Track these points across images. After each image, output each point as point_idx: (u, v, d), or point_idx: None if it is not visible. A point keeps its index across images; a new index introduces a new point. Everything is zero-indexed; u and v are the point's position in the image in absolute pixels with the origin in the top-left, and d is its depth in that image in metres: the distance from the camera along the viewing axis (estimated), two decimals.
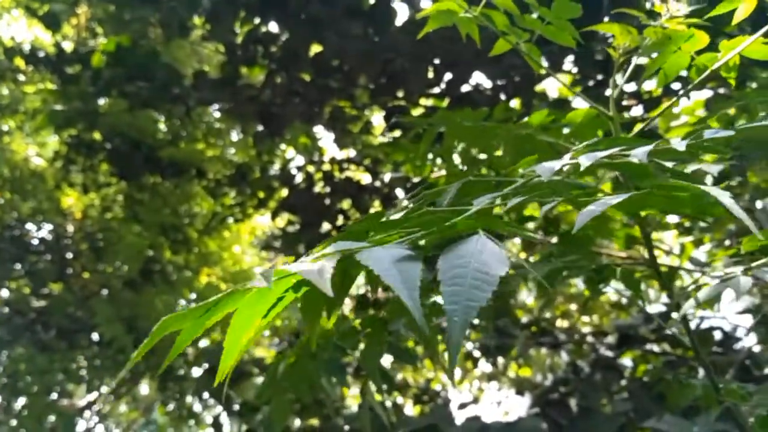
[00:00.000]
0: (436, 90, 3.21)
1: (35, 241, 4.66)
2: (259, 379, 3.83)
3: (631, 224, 1.29)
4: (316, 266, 0.42)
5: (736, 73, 0.92)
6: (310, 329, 0.51)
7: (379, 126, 3.82)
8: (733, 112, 1.12)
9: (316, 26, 3.07)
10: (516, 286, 1.22)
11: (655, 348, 3.11)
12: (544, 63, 2.80)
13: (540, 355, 4.54)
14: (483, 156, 1.35)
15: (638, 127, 0.96)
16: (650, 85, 2.68)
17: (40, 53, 3.86)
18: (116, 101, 3.64)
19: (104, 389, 5.06)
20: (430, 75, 3.16)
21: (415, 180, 3.24)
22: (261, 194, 4.14)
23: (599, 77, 2.76)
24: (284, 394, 1.26)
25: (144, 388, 5.66)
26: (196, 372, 4.41)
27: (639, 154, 0.51)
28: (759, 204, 2.30)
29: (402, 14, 3.04)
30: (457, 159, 1.41)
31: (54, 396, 4.58)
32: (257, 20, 3.33)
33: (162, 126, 4.08)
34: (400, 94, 3.30)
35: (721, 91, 2.37)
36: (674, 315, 0.87)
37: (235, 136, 4.52)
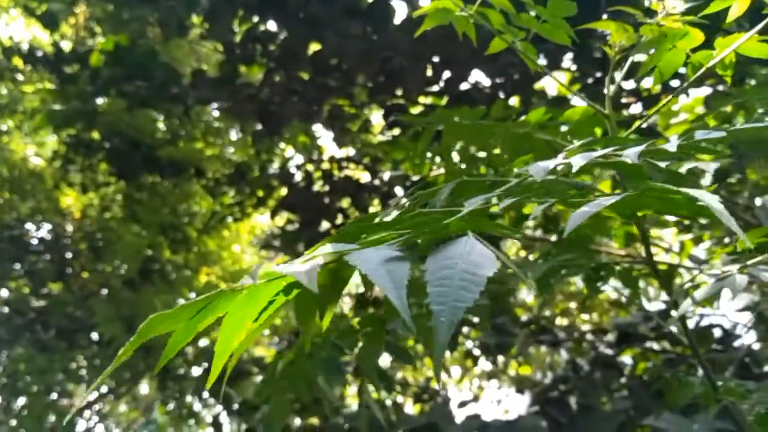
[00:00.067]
0: (435, 88, 3.21)
1: (34, 241, 4.66)
2: (259, 378, 3.83)
3: (629, 222, 1.29)
4: (303, 267, 0.42)
5: (732, 71, 0.92)
6: (304, 330, 0.51)
7: (378, 124, 3.82)
8: (730, 109, 1.12)
9: (315, 25, 3.06)
10: (515, 285, 1.22)
11: (655, 346, 3.11)
12: (543, 61, 2.81)
13: (540, 354, 4.55)
14: (482, 154, 1.35)
15: (636, 124, 0.95)
16: (649, 83, 2.68)
17: (39, 53, 3.86)
18: (115, 101, 3.64)
19: (104, 389, 5.06)
20: (429, 73, 3.16)
21: (415, 178, 3.24)
22: (260, 193, 4.14)
23: (598, 75, 2.76)
24: (283, 394, 1.26)
25: (144, 388, 5.67)
26: (196, 371, 4.41)
27: (630, 154, 0.51)
28: (758, 201, 2.30)
29: (400, 13, 3.03)
30: (456, 157, 1.41)
31: (54, 396, 4.59)
32: (256, 19, 3.33)
33: (161, 125, 4.07)
34: (399, 92, 3.30)
35: (720, 88, 2.37)
36: (673, 313, 0.87)
37: (234, 135, 4.53)
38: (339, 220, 3.61)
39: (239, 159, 4.40)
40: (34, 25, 4.43)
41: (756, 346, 2.64)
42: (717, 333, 2.79)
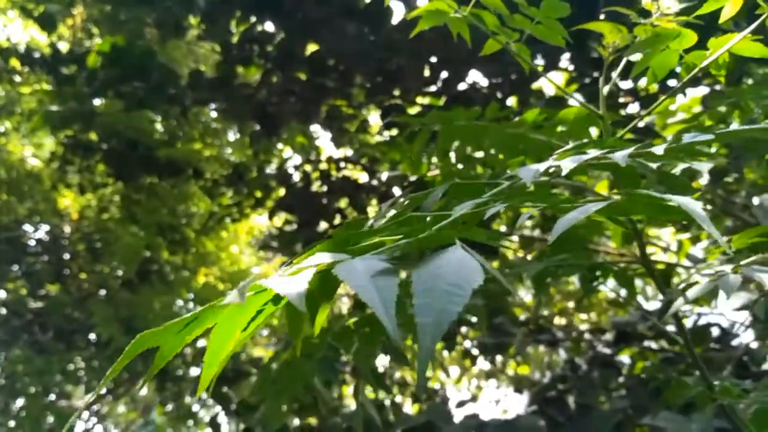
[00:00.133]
0: (433, 88, 3.21)
1: (32, 242, 4.66)
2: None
3: (624, 222, 1.29)
4: (291, 284, 0.42)
5: (726, 71, 0.92)
6: (295, 338, 0.51)
7: (375, 125, 3.82)
8: (724, 109, 1.12)
9: (312, 25, 3.06)
10: (511, 283, 1.22)
11: (653, 345, 3.11)
12: (540, 61, 2.81)
13: (538, 353, 4.55)
14: (480, 154, 1.35)
15: (631, 125, 0.95)
16: (646, 82, 2.68)
17: (36, 54, 3.86)
18: (112, 102, 3.64)
19: (102, 390, 5.05)
20: (427, 73, 3.16)
21: (412, 178, 3.24)
22: (258, 194, 4.14)
23: (595, 74, 2.76)
24: (279, 394, 1.26)
25: (142, 389, 5.66)
26: (195, 372, 4.41)
27: (618, 158, 0.51)
28: (756, 200, 2.30)
29: (398, 13, 3.04)
30: (453, 157, 1.41)
31: (52, 397, 4.58)
32: (253, 20, 3.33)
33: (158, 126, 4.07)
34: (397, 92, 3.30)
35: (718, 87, 2.37)
36: (670, 312, 0.87)
37: (231, 135, 4.53)
38: (337, 220, 3.61)
39: (237, 160, 4.40)
40: (32, 27, 4.43)
41: (754, 345, 2.65)
42: (715, 332, 2.79)
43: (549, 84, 3.22)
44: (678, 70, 0.95)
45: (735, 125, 1.16)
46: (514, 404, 3.85)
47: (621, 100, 2.81)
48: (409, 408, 4.14)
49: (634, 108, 2.80)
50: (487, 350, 3.60)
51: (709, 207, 2.75)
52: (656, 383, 2.54)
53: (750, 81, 2.07)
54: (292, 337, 0.51)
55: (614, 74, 1.00)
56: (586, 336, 3.63)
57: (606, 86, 0.96)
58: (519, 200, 0.55)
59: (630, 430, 2.57)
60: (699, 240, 2.82)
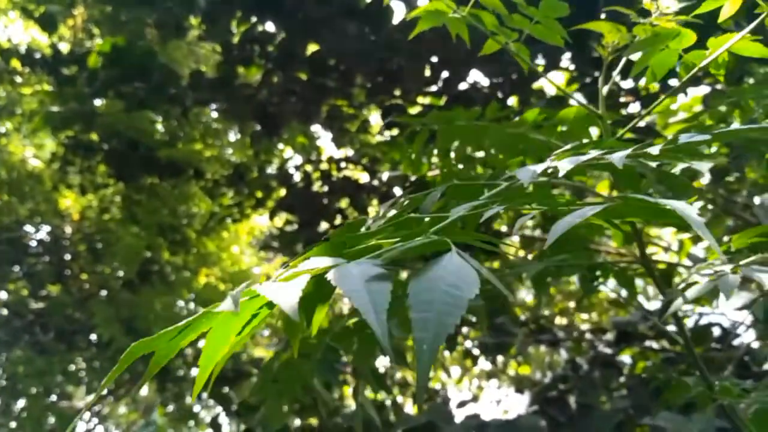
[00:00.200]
0: (434, 88, 3.21)
1: (33, 243, 4.66)
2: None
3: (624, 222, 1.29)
4: (285, 291, 0.42)
5: (727, 70, 0.92)
6: (292, 339, 0.51)
7: (376, 125, 3.81)
8: (725, 109, 1.12)
9: (313, 25, 3.06)
10: (511, 283, 1.22)
11: (654, 345, 3.11)
12: (541, 60, 2.81)
13: (539, 353, 4.55)
14: (481, 153, 1.35)
15: (630, 125, 0.95)
16: (645, 82, 2.67)
17: (37, 55, 3.86)
18: (113, 102, 3.64)
19: (104, 392, 5.06)
20: (427, 73, 3.16)
21: (414, 179, 3.23)
22: (259, 194, 4.14)
23: (596, 74, 2.75)
24: (279, 395, 1.26)
25: (143, 390, 5.66)
26: (196, 373, 4.40)
27: (615, 159, 0.51)
28: (757, 200, 2.30)
29: (399, 13, 3.04)
30: (453, 157, 1.41)
31: (53, 398, 4.58)
32: (253, 20, 3.33)
33: (159, 126, 4.07)
34: (398, 92, 3.30)
35: (719, 87, 2.36)
36: (669, 312, 0.87)
37: (232, 136, 4.53)
38: (338, 220, 3.61)
39: (238, 160, 4.40)
40: (33, 28, 4.43)
41: (755, 345, 2.64)
42: (716, 332, 2.79)
43: (550, 83, 3.21)
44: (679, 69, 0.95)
45: (736, 124, 1.16)
46: (515, 404, 3.85)
47: (622, 99, 2.81)
48: (410, 408, 4.13)
49: (635, 107, 2.79)
50: (488, 350, 3.60)
51: (710, 206, 2.75)
52: (657, 383, 2.54)
53: (751, 80, 2.06)
54: (290, 338, 0.51)
55: (615, 74, 1.00)
56: (587, 336, 3.62)
57: (605, 86, 0.96)
58: (517, 202, 0.54)
59: (631, 429, 2.57)
60: (700, 240, 2.82)
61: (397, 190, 3.51)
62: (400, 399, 4.15)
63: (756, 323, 2.46)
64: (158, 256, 4.40)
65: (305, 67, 3.31)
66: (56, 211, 4.64)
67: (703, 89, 2.50)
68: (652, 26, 0.90)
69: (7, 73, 4.07)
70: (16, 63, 3.97)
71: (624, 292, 1.25)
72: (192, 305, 4.52)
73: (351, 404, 3.80)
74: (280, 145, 4.26)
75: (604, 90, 0.96)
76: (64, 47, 4.02)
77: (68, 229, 4.73)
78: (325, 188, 3.73)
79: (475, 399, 4.34)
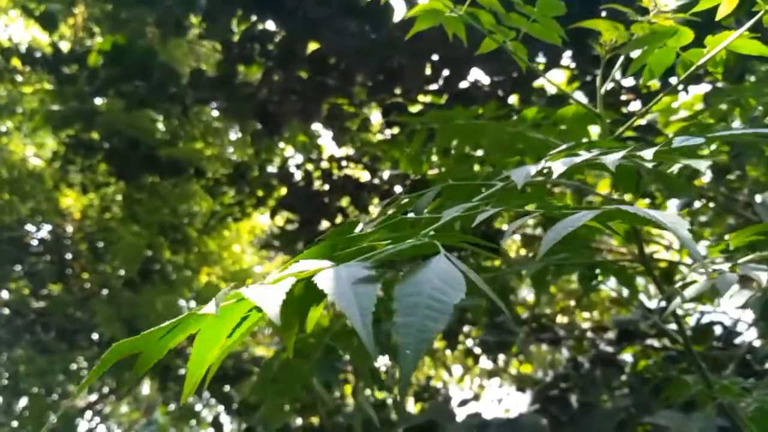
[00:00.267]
0: (434, 87, 3.20)
1: (34, 242, 4.66)
2: None
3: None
4: (270, 295, 0.42)
5: (726, 68, 0.91)
6: (286, 339, 0.51)
7: (377, 123, 3.81)
8: (725, 107, 1.11)
9: (313, 24, 3.06)
10: (506, 282, 1.22)
11: (656, 343, 3.11)
12: (542, 59, 2.80)
13: (540, 352, 4.55)
14: (480, 152, 1.35)
15: (627, 124, 0.95)
16: (643, 80, 2.67)
17: (37, 53, 3.86)
18: (113, 101, 3.63)
19: (105, 389, 5.07)
20: (428, 72, 3.15)
21: (414, 177, 3.23)
22: (260, 193, 4.14)
23: (597, 72, 2.75)
24: (278, 394, 1.26)
25: (145, 389, 5.67)
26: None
27: (608, 161, 0.51)
28: (758, 198, 2.30)
29: (399, 11, 3.03)
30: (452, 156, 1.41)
31: (55, 397, 4.59)
32: (254, 18, 3.32)
33: (160, 125, 4.07)
34: (398, 91, 3.30)
35: (720, 85, 2.36)
36: (668, 310, 0.86)
37: (233, 134, 4.52)
38: (338, 219, 3.60)
39: (239, 159, 4.40)
40: (33, 26, 4.43)
41: (757, 343, 2.64)
42: (718, 330, 2.78)
43: (549, 83, 3.21)
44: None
45: (737, 123, 1.16)
46: (517, 403, 3.84)
47: (623, 97, 2.80)
48: (412, 407, 4.14)
49: (636, 105, 2.79)
50: (489, 349, 3.60)
51: (711, 205, 2.75)
52: (657, 381, 2.54)
53: (752, 78, 2.06)
54: (284, 338, 0.51)
55: (617, 72, 1.00)
56: (589, 334, 3.62)
57: (604, 85, 0.96)
58: (510, 204, 0.54)
59: (632, 428, 2.57)
60: (702, 238, 2.82)
61: (398, 189, 3.50)
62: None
63: (758, 321, 2.45)
64: (159, 255, 4.40)
65: (306, 66, 3.31)
66: (57, 210, 4.64)
67: (705, 87, 2.50)
68: (650, 24, 0.90)
69: (7, 71, 4.07)
70: (16, 62, 3.97)
71: (625, 291, 1.25)
72: (193, 304, 4.52)
73: (352, 403, 3.80)
74: (281, 144, 4.26)
75: (603, 89, 0.95)
76: (65, 46, 4.02)
77: (69, 228, 4.73)
78: (326, 187, 3.72)
79: (476, 398, 4.34)
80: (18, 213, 4.50)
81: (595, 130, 1.14)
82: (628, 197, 0.92)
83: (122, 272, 4.41)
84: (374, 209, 3.48)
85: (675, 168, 0.84)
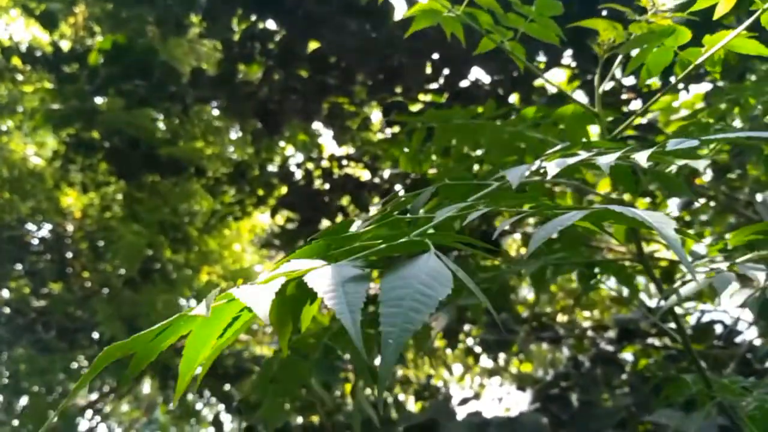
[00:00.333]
0: (435, 85, 3.20)
1: (35, 241, 4.66)
2: None
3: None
4: (259, 294, 0.42)
5: (726, 67, 0.91)
6: (281, 339, 0.51)
7: (377, 122, 3.81)
8: (724, 106, 1.11)
9: (313, 23, 3.06)
10: (506, 281, 1.22)
11: (656, 342, 3.11)
12: (542, 57, 2.80)
13: (541, 351, 4.55)
14: (480, 152, 1.35)
15: (625, 124, 0.95)
16: (649, 79, 2.67)
17: (38, 52, 3.86)
18: (114, 100, 3.63)
19: (106, 388, 5.07)
20: (429, 70, 3.15)
21: (415, 176, 3.23)
22: (260, 192, 4.14)
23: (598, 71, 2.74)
24: (277, 393, 1.26)
25: (146, 387, 5.68)
26: (197, 371, 4.40)
27: (602, 162, 0.51)
28: (759, 197, 2.30)
29: (399, 9, 3.03)
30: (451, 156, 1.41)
31: (55, 396, 4.59)
32: (254, 17, 3.32)
33: (160, 124, 4.07)
34: (399, 90, 3.29)
35: (721, 84, 2.36)
36: (667, 309, 0.86)
37: (233, 133, 4.53)
38: (339, 218, 3.60)
39: (239, 158, 4.40)
40: (34, 25, 4.44)
41: (757, 342, 2.64)
42: (718, 329, 2.78)
43: (548, 82, 3.20)
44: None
45: (737, 123, 1.16)
46: (517, 402, 3.84)
47: (624, 96, 2.80)
48: (412, 405, 4.14)
49: (637, 104, 2.79)
50: (489, 348, 3.60)
51: (712, 204, 2.74)
52: (657, 380, 2.54)
53: (753, 77, 2.06)
54: (279, 337, 0.51)
55: (617, 71, 1.00)
56: (589, 333, 3.62)
57: (602, 84, 0.96)
58: (502, 204, 0.54)
59: (633, 427, 2.57)
60: (703, 236, 2.81)
61: (399, 188, 3.50)
62: (401, 396, 4.16)
63: (758, 320, 2.45)
64: (160, 254, 4.40)
65: (306, 65, 3.31)
66: (58, 209, 4.64)
67: (706, 86, 2.50)
68: (647, 23, 0.90)
69: (8, 70, 4.07)
70: (17, 61, 3.97)
71: (626, 290, 1.25)
72: (194, 303, 4.52)
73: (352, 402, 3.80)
74: (282, 143, 4.26)
75: (601, 88, 0.95)
76: (65, 45, 4.02)
77: (70, 227, 4.73)
78: (327, 186, 3.72)
79: (476, 396, 4.34)
80: (18, 212, 4.51)
81: (595, 130, 1.14)
82: (627, 197, 0.92)
83: (123, 271, 4.41)
84: (373, 208, 3.48)
85: (673, 167, 0.84)
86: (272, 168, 4.23)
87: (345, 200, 3.72)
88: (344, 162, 3.81)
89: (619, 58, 0.97)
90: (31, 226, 4.67)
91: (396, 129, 3.29)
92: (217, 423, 4.00)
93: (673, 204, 2.79)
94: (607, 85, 0.97)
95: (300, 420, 3.34)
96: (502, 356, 4.19)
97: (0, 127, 4.53)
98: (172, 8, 3.35)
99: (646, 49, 0.90)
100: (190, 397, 4.68)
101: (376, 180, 3.69)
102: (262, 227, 5.27)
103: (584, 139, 1.02)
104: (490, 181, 0.71)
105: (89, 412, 5.13)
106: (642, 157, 0.55)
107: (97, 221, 4.57)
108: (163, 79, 3.52)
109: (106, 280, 4.48)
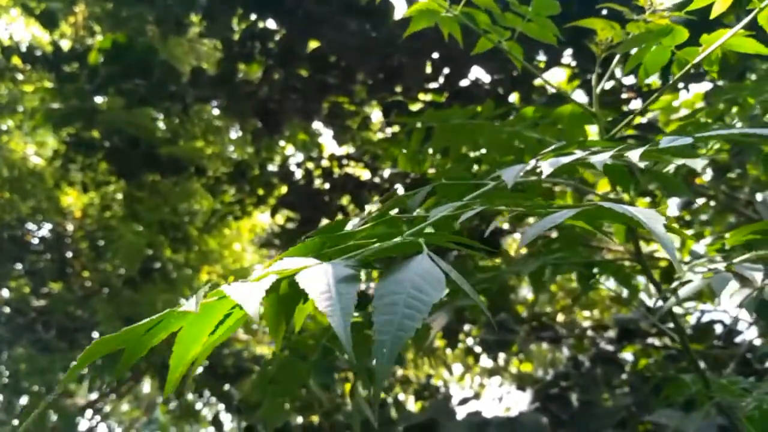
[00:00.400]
0: (435, 85, 3.20)
1: (35, 241, 4.66)
2: None
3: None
4: (248, 290, 0.42)
5: (726, 66, 0.91)
6: (275, 338, 0.50)
7: (377, 122, 3.81)
8: (722, 106, 1.11)
9: (313, 22, 3.06)
10: (506, 281, 1.22)
11: (656, 342, 3.10)
12: (542, 57, 2.80)
13: (541, 350, 4.54)
14: (480, 151, 1.35)
15: (633, 121, 0.95)
16: (649, 78, 2.66)
17: (38, 52, 3.86)
18: (114, 99, 3.63)
19: (106, 388, 5.07)
20: (429, 70, 3.15)
21: (414, 175, 3.23)
22: (260, 191, 4.14)
23: (598, 70, 2.74)
24: (276, 394, 1.26)
25: (145, 387, 5.68)
26: (198, 370, 4.40)
27: (596, 161, 0.51)
28: (759, 196, 2.29)
29: (399, 9, 3.03)
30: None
31: (55, 395, 4.57)
32: (254, 17, 3.32)
33: (160, 124, 4.07)
34: (399, 89, 3.29)
35: (721, 83, 2.35)
36: (663, 310, 0.86)
37: (233, 133, 4.52)
38: (339, 217, 3.60)
39: (239, 157, 4.40)
40: (34, 25, 4.43)
41: (757, 342, 2.64)
42: (718, 329, 2.78)
43: (552, 79, 3.21)
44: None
45: (737, 123, 1.16)
46: (517, 401, 3.84)
47: (624, 96, 2.80)
48: (412, 405, 4.14)
49: (636, 104, 2.78)
50: (489, 348, 3.60)
51: (712, 203, 2.74)
52: (656, 380, 2.54)
53: (753, 76, 2.05)
54: (273, 336, 0.50)
55: (617, 71, 1.00)
56: (589, 333, 3.62)
57: (600, 84, 0.95)
58: (497, 203, 0.54)
59: (633, 426, 2.57)
60: (702, 236, 2.81)
61: (399, 187, 3.50)
62: (401, 396, 4.15)
63: (758, 320, 2.45)
64: (160, 254, 4.40)
65: (306, 64, 3.31)
66: (58, 208, 4.64)
67: (706, 85, 2.50)
68: (645, 23, 0.89)
69: (8, 70, 4.07)
70: (17, 60, 3.97)
71: (626, 290, 1.25)
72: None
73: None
74: (282, 143, 4.26)
75: (599, 88, 0.95)
76: (65, 44, 4.02)
77: (70, 227, 4.73)
78: (327, 185, 3.72)
79: (476, 396, 4.34)
80: (19, 211, 4.51)
81: (594, 129, 1.14)
82: (627, 197, 0.92)
83: (123, 271, 4.41)
84: (368, 206, 3.48)
85: (671, 167, 0.84)
86: (272, 167, 4.23)
87: (345, 200, 3.72)
88: (344, 161, 3.81)
89: (618, 57, 0.97)
90: (31, 226, 4.67)
91: (396, 128, 3.29)
92: (217, 423, 4.00)
93: (673, 204, 2.79)
94: (607, 85, 0.97)
95: (300, 420, 3.34)
96: (501, 356, 4.19)
97: (0, 126, 4.53)
98: (172, 7, 3.35)
99: (644, 49, 0.90)
100: (190, 396, 4.68)
101: (376, 179, 3.68)
102: (262, 227, 5.27)
103: (581, 139, 1.02)
104: (486, 180, 0.71)
105: (89, 412, 5.13)
106: (635, 155, 0.55)
107: (97, 221, 4.57)
108: (163, 78, 3.52)
109: (106, 279, 4.48)
